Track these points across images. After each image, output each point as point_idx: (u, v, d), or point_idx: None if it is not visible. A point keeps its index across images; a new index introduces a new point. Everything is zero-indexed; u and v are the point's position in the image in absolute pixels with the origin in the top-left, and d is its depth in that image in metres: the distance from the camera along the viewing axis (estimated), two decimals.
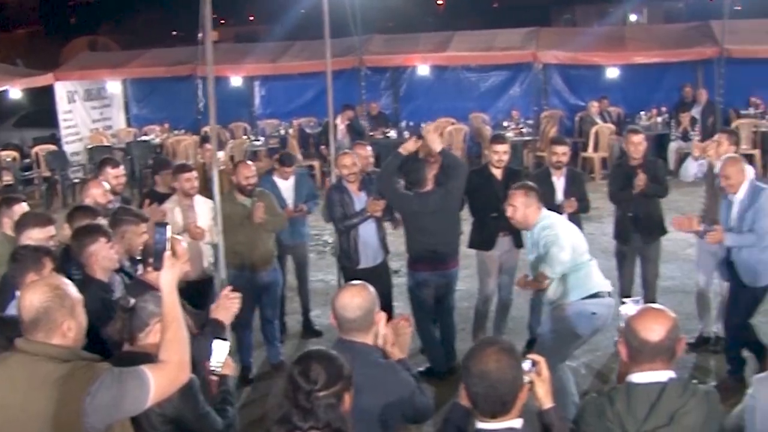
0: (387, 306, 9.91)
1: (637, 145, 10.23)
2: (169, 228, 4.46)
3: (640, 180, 9.90)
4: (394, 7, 46.45)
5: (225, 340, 5.65)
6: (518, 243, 9.84)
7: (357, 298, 5.03)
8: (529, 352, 9.96)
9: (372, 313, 5.06)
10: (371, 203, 9.58)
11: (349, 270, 9.80)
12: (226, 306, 6.00)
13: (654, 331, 4.29)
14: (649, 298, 10.16)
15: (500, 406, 3.98)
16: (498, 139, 10.21)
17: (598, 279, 7.98)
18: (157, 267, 4.36)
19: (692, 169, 10.09)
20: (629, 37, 23.96)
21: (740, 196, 8.55)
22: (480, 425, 4.04)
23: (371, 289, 5.16)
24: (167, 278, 4.32)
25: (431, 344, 9.77)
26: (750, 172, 9.65)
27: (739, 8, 38.29)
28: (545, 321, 8.26)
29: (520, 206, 7.91)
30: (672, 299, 11.43)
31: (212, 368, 5.54)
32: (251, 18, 72.58)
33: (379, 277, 9.83)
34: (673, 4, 59.24)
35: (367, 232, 9.74)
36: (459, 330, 10.38)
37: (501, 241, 9.89)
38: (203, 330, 5.90)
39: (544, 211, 8.03)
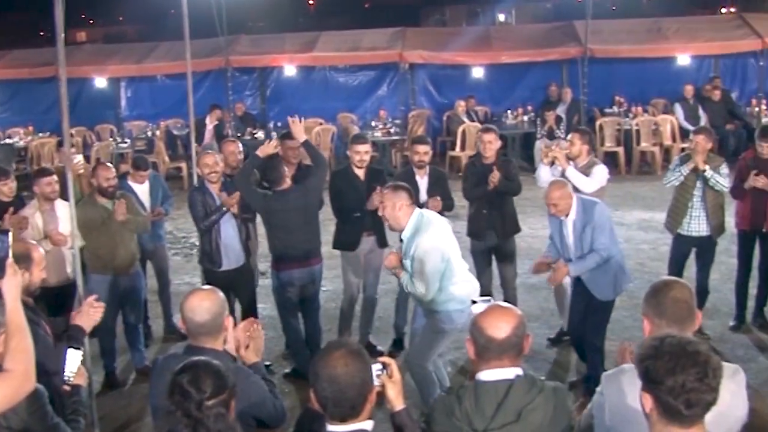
0: (251, 308, 9.92)
1: (488, 143, 10.33)
2: (10, 235, 4.36)
3: (494, 176, 10.03)
4: (265, 8, 46.24)
5: (78, 349, 5.54)
6: (382, 243, 9.97)
7: (205, 301, 4.96)
8: (394, 352, 10.09)
9: (221, 317, 4.99)
10: (225, 198, 9.50)
11: (212, 272, 9.69)
12: (89, 313, 5.93)
13: (500, 329, 4.31)
14: (508, 296, 10.28)
15: (349, 410, 3.97)
16: (359, 139, 10.17)
17: (473, 286, 7.93)
18: None
19: (545, 175, 10.17)
20: (495, 37, 24.32)
21: (572, 216, 8.46)
22: (330, 428, 4.03)
23: (220, 293, 5.10)
24: (10, 286, 4.22)
25: (297, 345, 9.74)
26: (601, 173, 9.80)
27: (614, 8, 39.09)
28: (419, 324, 8.21)
29: (389, 206, 7.69)
30: (537, 296, 11.64)
31: (65, 378, 5.44)
32: (121, 18, 71.69)
33: (243, 278, 9.89)
34: (541, 4, 60.30)
35: (228, 233, 9.63)
36: (326, 330, 10.39)
37: (365, 240, 9.91)
38: (62, 336, 5.80)
39: (418, 214, 7.73)
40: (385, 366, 4.34)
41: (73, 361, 5.44)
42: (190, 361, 4.12)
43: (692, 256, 10.48)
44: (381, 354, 10.14)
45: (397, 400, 4.34)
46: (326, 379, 3.95)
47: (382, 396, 4.27)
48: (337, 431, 4.02)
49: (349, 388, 3.94)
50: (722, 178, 9.85)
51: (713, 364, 3.40)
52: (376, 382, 4.23)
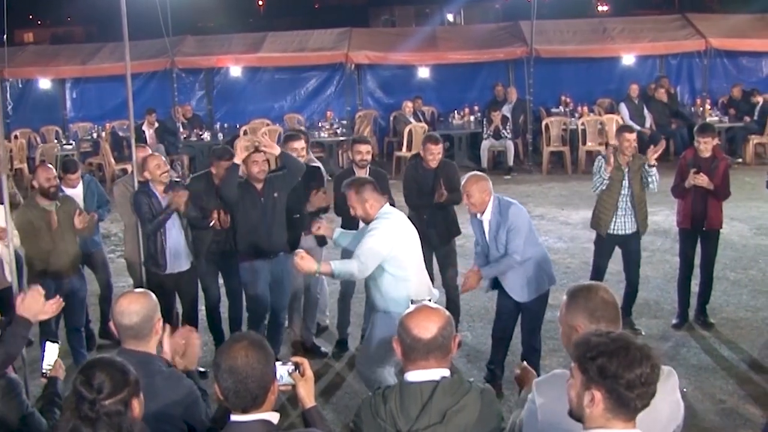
0: (192, 311, 9.87)
1: (437, 154, 10.37)
2: None
3: (441, 196, 10.13)
4: (214, 8, 46.04)
5: (55, 342, 5.61)
6: (321, 241, 10.02)
7: (134, 304, 4.89)
8: (339, 353, 10.09)
9: (151, 321, 4.91)
10: (174, 195, 9.39)
11: (157, 275, 9.60)
12: (29, 300, 5.81)
13: (426, 329, 4.32)
14: (451, 296, 10.30)
15: (251, 401, 4.00)
16: (292, 137, 10.16)
17: (426, 288, 7.92)
18: None
19: None
20: (441, 38, 24.35)
21: (488, 215, 8.51)
22: (233, 417, 4.07)
23: (151, 297, 5.03)
24: None
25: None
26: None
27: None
28: (373, 328, 8.12)
29: (358, 205, 7.66)
30: (481, 296, 11.54)
31: (43, 370, 5.52)
32: (69, 19, 70.89)
33: (187, 282, 9.85)
34: (490, 4, 60.39)
35: (173, 236, 9.54)
36: None
37: (304, 239, 9.85)
38: (6, 330, 5.74)
39: (387, 209, 7.78)
40: (297, 365, 4.47)
41: (51, 353, 5.53)
42: (89, 361, 4.11)
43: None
44: (325, 355, 10.17)
45: (308, 398, 4.50)
46: (226, 370, 4.00)
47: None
48: (240, 420, 4.05)
49: (249, 379, 3.97)
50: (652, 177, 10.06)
51: (654, 357, 3.45)
52: (289, 380, 4.40)
